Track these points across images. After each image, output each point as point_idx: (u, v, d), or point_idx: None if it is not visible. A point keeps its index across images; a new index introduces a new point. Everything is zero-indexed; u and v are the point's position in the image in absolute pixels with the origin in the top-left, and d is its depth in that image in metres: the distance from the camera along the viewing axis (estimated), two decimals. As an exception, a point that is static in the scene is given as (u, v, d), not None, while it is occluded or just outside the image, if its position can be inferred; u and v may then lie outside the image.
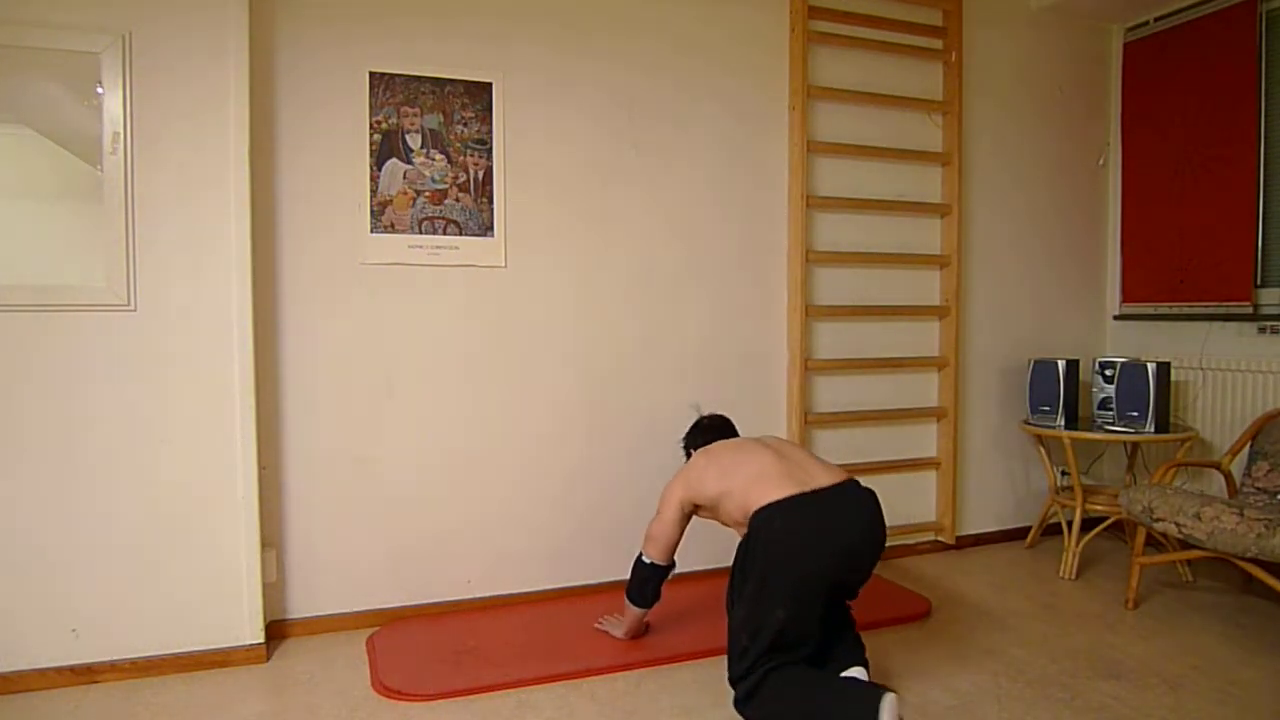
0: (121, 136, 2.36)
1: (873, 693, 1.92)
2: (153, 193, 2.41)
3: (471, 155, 2.89)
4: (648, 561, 2.44)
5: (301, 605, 2.75)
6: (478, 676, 2.37)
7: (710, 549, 3.09)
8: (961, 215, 3.63)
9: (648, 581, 2.47)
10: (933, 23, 3.57)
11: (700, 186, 3.22)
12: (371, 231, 2.77)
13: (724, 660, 2.12)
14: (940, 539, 3.70)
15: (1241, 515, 2.56)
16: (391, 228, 2.80)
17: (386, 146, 2.79)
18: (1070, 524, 3.39)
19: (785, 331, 3.36)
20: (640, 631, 2.64)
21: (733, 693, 2.08)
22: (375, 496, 2.81)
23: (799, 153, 3.32)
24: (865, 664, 2.19)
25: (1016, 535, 3.86)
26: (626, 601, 2.54)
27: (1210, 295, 3.56)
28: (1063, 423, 3.46)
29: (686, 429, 2.71)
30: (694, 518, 2.44)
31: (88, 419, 2.37)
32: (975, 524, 3.80)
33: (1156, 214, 3.81)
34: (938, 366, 3.66)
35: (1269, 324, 3.37)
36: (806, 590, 2.04)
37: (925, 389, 3.67)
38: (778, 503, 2.08)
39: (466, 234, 2.89)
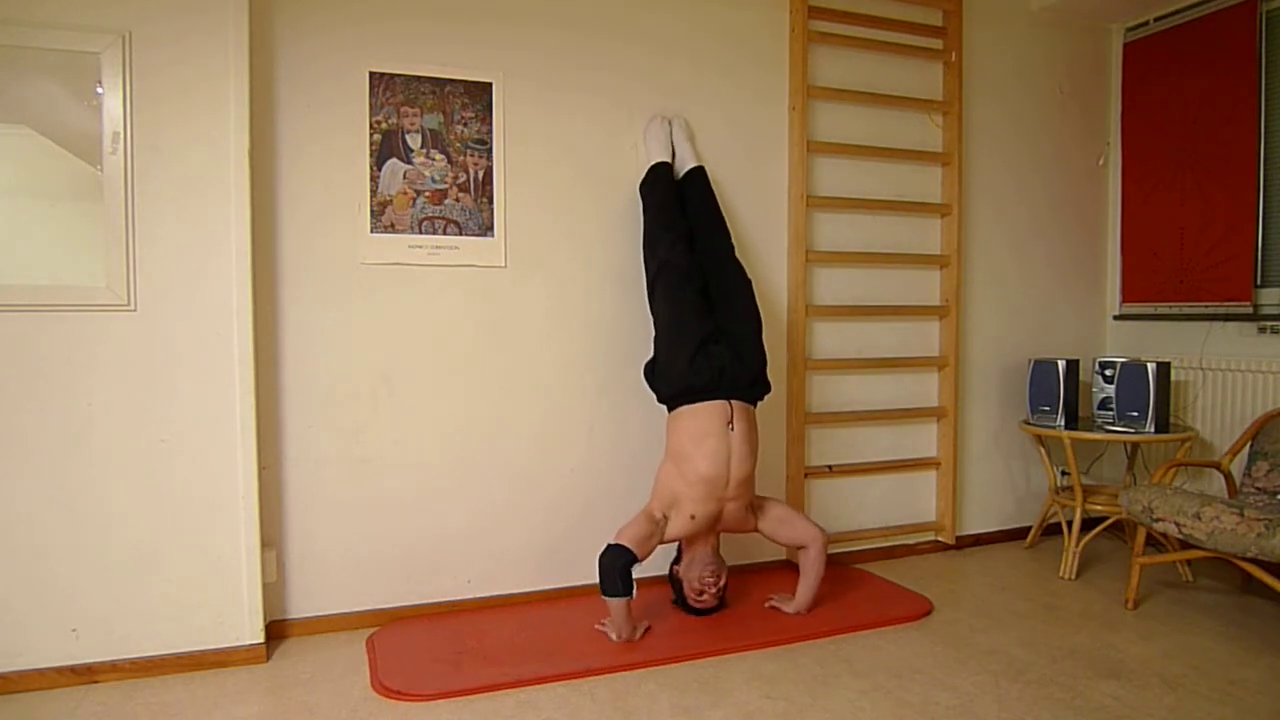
0: (121, 136, 2.36)
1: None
2: (153, 192, 2.41)
3: (471, 155, 2.89)
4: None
5: (301, 605, 2.75)
6: (478, 676, 2.37)
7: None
8: (961, 215, 3.63)
9: None
10: (933, 23, 3.57)
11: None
12: (371, 231, 2.77)
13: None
14: (940, 539, 3.70)
15: (1241, 515, 2.56)
16: (391, 228, 2.80)
17: (386, 146, 2.79)
18: (1070, 524, 3.39)
19: (785, 331, 3.36)
20: (636, 632, 2.64)
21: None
22: (375, 496, 2.81)
23: (799, 153, 3.32)
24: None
25: (1016, 535, 3.86)
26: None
27: (1210, 295, 3.56)
28: (1063, 423, 3.46)
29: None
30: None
31: (88, 419, 2.36)
32: (975, 524, 3.80)
33: (1156, 214, 3.81)
34: (938, 366, 3.66)
35: (1269, 324, 3.37)
36: None
37: (925, 389, 3.67)
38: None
39: (466, 234, 2.89)
